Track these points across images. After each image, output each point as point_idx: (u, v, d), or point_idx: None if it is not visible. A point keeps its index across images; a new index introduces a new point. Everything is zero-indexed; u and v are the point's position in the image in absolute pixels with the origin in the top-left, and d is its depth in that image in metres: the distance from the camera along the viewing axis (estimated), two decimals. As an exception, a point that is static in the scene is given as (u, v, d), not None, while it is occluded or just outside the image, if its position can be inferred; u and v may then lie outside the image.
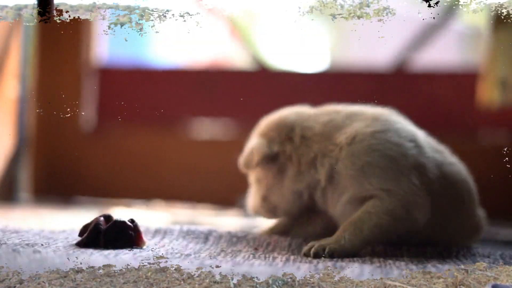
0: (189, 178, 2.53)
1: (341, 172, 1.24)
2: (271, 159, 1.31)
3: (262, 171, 1.33)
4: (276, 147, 1.31)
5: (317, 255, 1.15)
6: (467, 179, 1.32)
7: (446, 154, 1.32)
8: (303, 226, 1.34)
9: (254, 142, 1.35)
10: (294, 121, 1.34)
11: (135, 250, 1.16)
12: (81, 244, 1.18)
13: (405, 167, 1.22)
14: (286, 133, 1.32)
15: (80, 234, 1.22)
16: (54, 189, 2.61)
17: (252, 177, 1.37)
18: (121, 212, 2.04)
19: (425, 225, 1.24)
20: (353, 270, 1.02)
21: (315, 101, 2.46)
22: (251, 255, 1.16)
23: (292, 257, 1.15)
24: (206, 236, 1.30)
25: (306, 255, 1.16)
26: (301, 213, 1.33)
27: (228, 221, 1.91)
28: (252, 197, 1.37)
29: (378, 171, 1.20)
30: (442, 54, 2.90)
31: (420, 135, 1.31)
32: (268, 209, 1.35)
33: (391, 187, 1.20)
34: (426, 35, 2.63)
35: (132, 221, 1.21)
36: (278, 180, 1.31)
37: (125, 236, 1.19)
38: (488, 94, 2.25)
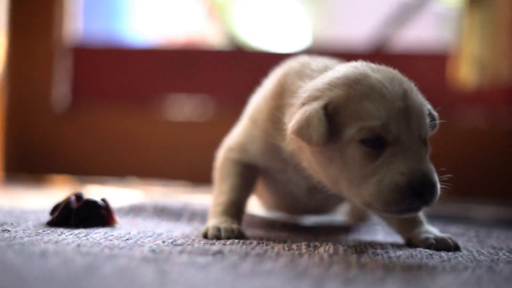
0: (164, 156, 2.52)
1: None
2: None
3: None
4: None
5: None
6: None
7: None
8: None
9: None
10: None
11: (106, 229, 1.14)
12: (51, 223, 1.17)
13: None
14: None
15: (51, 213, 1.20)
16: (27, 168, 2.59)
17: None
18: (94, 191, 2.03)
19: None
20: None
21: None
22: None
23: (265, 236, 1.14)
24: (179, 213, 1.29)
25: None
26: None
27: (202, 198, 1.90)
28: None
29: None
30: (421, 34, 2.89)
31: None
32: None
33: None
34: (404, 15, 2.62)
35: (103, 200, 1.20)
36: None
37: (96, 215, 1.17)
38: (464, 74, 2.25)
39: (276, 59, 2.61)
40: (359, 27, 3.22)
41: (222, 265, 0.86)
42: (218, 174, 1.21)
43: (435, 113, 1.06)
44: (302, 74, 1.09)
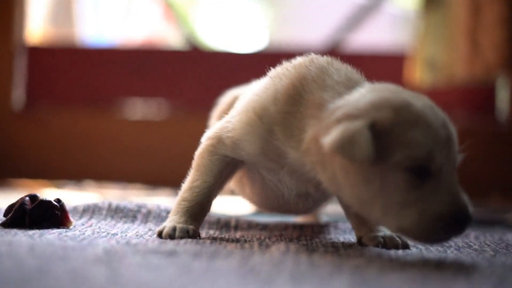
0: (121, 158, 2.52)
1: None
2: None
3: None
4: None
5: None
6: None
7: None
8: None
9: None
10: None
11: (61, 230, 1.15)
12: (5, 225, 1.17)
13: None
14: None
15: (5, 215, 1.20)
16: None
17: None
18: (50, 193, 2.02)
19: None
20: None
21: (251, 81, 2.47)
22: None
23: (219, 236, 1.15)
24: (134, 214, 1.29)
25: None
26: None
27: (159, 201, 1.91)
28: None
29: None
30: (376, 36, 2.93)
31: None
32: None
33: None
34: (359, 16, 2.65)
35: (58, 200, 1.20)
36: None
37: (51, 216, 1.18)
38: (420, 75, 2.28)
39: (233, 59, 2.63)
40: (315, 28, 3.25)
41: (175, 265, 0.87)
42: (197, 163, 1.15)
43: None
44: (323, 84, 1.06)
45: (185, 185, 1.15)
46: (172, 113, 2.54)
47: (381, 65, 2.55)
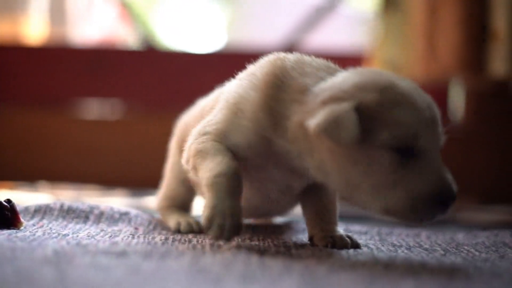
0: (76, 158, 2.50)
1: None
2: None
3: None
4: None
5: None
6: None
7: None
8: None
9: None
10: None
11: (10, 231, 1.14)
12: (-46, 226, 1.15)
13: None
14: None
15: (-46, 216, 1.19)
16: None
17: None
18: (2, 194, 1.99)
19: None
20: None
21: (207, 82, 2.47)
22: (130, 235, 1.15)
23: (171, 237, 1.15)
24: (86, 215, 1.28)
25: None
26: None
27: (114, 201, 1.89)
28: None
29: None
30: (333, 37, 2.95)
31: None
32: None
33: None
34: (316, 17, 2.67)
35: (8, 201, 1.19)
36: None
37: (1, 217, 1.17)
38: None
39: (190, 59, 2.63)
40: (273, 28, 3.27)
41: (124, 265, 0.86)
42: (199, 154, 1.07)
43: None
44: (304, 71, 1.05)
45: (206, 169, 1.05)
46: (128, 114, 2.52)
47: (339, 66, 2.56)
